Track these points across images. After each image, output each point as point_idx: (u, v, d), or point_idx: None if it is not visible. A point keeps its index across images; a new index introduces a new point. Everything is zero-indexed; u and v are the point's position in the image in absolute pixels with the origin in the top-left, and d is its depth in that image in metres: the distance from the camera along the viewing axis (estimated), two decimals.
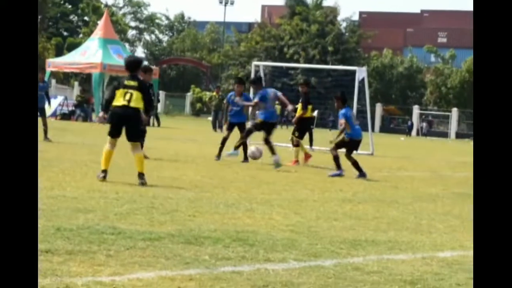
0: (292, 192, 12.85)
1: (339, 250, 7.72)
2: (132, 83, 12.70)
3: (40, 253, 6.34)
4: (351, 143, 16.76)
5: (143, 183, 12.18)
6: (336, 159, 16.59)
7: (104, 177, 12.36)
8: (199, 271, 6.36)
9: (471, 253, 8.05)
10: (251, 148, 18.39)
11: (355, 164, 16.58)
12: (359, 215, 10.49)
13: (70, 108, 41.32)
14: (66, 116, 40.16)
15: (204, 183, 13.28)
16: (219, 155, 18.81)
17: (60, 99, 42.88)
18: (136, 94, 12.59)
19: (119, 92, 12.65)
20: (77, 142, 21.80)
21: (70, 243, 7.06)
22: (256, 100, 18.01)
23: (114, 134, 12.71)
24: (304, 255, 7.36)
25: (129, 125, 12.62)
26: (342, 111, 16.75)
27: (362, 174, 16.47)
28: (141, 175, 12.33)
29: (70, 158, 16.15)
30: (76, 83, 71.03)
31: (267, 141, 17.73)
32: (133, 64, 12.97)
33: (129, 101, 12.57)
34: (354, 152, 17.05)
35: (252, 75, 32.42)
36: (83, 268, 6.13)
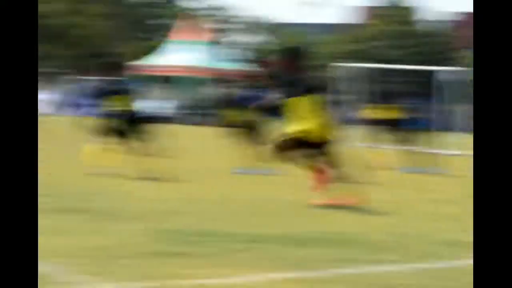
0: (390, 193, 12.62)
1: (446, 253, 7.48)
2: None
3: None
4: None
5: None
6: None
7: None
8: (306, 273, 6.21)
9: None
10: None
11: None
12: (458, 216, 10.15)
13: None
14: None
15: (305, 186, 13.10)
16: None
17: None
18: None
19: None
20: None
21: (172, 244, 7.08)
22: None
23: None
24: (414, 256, 7.15)
25: None
26: None
27: None
28: None
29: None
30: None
31: None
32: None
33: None
34: None
35: None
36: (185, 270, 6.05)
